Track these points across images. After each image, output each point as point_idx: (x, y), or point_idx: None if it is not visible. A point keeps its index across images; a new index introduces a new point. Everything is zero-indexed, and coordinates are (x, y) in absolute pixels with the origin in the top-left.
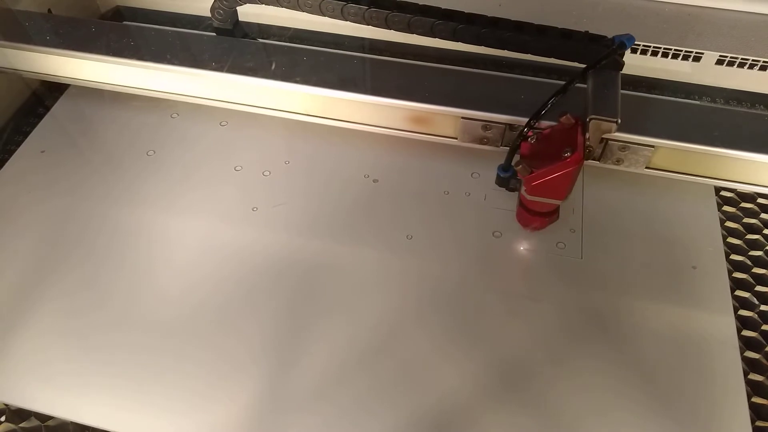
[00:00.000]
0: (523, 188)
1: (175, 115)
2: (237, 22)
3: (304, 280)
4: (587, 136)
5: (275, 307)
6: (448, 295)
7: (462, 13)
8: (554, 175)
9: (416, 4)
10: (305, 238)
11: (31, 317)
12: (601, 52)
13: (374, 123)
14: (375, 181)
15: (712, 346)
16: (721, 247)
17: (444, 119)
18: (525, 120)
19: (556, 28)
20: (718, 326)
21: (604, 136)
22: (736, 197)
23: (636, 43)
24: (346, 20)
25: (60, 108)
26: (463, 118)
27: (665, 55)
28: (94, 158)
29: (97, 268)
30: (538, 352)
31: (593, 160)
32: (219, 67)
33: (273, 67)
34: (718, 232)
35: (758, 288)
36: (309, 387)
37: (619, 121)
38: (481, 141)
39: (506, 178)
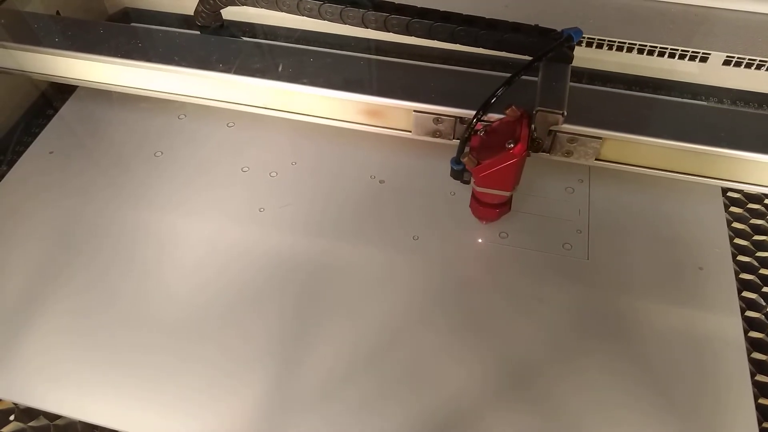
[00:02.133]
0: (472, 180)
1: (182, 117)
2: (221, 22)
3: (311, 280)
4: (533, 127)
5: (282, 307)
6: (455, 296)
7: (414, 7)
8: (498, 167)
9: (370, 1)
10: (312, 238)
11: (40, 317)
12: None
13: (330, 116)
14: (381, 182)
15: (718, 347)
16: (728, 248)
17: (397, 112)
18: (474, 113)
19: (507, 21)
20: (725, 327)
21: (551, 128)
22: (743, 198)
23: (642, 43)
24: (303, 16)
25: (68, 109)
26: (415, 111)
27: (672, 55)
28: (102, 159)
29: (105, 268)
30: (544, 353)
31: (543, 152)
32: (227, 69)
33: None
34: (725, 233)
35: (765, 289)
36: (316, 386)
37: (565, 113)
38: (434, 134)
39: (459, 171)
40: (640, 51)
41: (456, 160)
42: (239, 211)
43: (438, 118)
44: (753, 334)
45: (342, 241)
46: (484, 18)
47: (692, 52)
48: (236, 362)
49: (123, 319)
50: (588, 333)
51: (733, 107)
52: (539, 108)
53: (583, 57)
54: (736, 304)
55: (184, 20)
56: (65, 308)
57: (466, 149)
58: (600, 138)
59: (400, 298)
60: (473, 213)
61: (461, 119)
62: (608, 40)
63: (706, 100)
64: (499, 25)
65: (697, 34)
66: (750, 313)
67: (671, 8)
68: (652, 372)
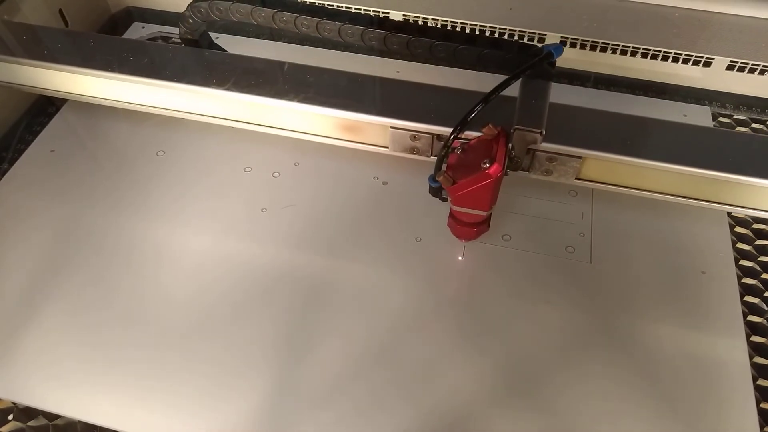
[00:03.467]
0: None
1: None
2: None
3: (314, 280)
4: (511, 146)
5: (286, 306)
6: (456, 297)
7: (392, 21)
8: (474, 187)
9: (347, 13)
10: (314, 239)
11: (40, 316)
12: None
13: (307, 131)
14: (384, 183)
15: (720, 351)
16: (731, 252)
17: (374, 128)
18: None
19: (487, 36)
20: (727, 332)
21: (530, 147)
22: None
23: (646, 47)
24: (279, 28)
25: (70, 107)
26: (391, 127)
27: (675, 59)
28: (104, 159)
29: (107, 265)
30: (545, 355)
31: (522, 170)
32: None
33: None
34: (727, 236)
35: None
36: (321, 387)
37: (544, 132)
38: (412, 151)
39: (437, 188)
40: (644, 55)
41: (433, 178)
42: (241, 211)
43: (415, 135)
44: (755, 338)
45: (345, 242)
46: (462, 33)
47: (696, 56)
48: (241, 360)
49: (124, 318)
50: (590, 335)
51: (716, 128)
52: (517, 126)
53: (587, 60)
54: (738, 309)
55: None
56: (65, 306)
57: (443, 167)
58: (580, 157)
59: (402, 300)
60: (451, 231)
61: (438, 136)
62: (612, 44)
63: (710, 104)
64: (477, 40)
65: (700, 38)
66: (752, 318)
67: (675, 12)
68: (653, 375)
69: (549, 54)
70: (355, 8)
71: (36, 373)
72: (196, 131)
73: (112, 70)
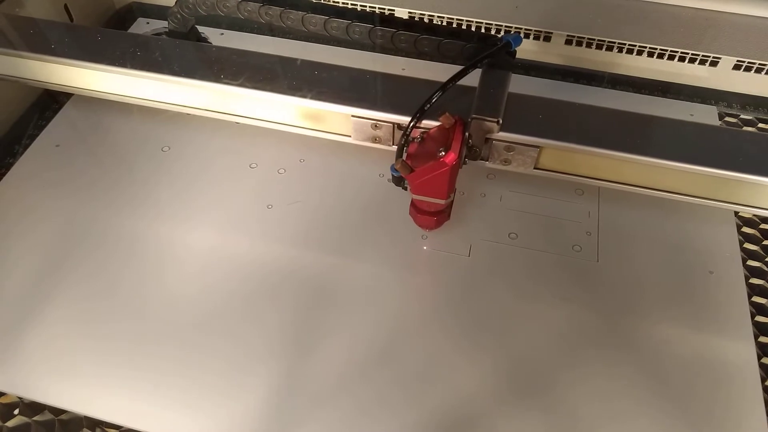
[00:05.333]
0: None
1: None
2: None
3: (319, 277)
4: (468, 135)
5: (291, 303)
6: (463, 295)
7: (354, 10)
8: (430, 175)
9: (311, 3)
10: (320, 235)
11: (45, 309)
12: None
13: (269, 119)
14: (390, 180)
15: (728, 351)
16: (738, 252)
17: (336, 117)
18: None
19: (446, 26)
20: (735, 332)
21: (488, 136)
22: None
23: (652, 46)
24: (264, 21)
25: (75, 102)
26: (353, 116)
27: (682, 59)
28: (109, 154)
29: (112, 259)
30: (551, 354)
31: (481, 160)
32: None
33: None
34: (734, 237)
35: None
36: (326, 385)
37: (501, 121)
38: (374, 140)
39: (399, 177)
40: (651, 54)
41: (394, 167)
42: (247, 207)
43: (376, 124)
44: (763, 339)
45: (350, 240)
46: (422, 22)
47: (702, 55)
48: (249, 357)
49: (131, 313)
50: (597, 335)
51: (676, 119)
52: (474, 115)
53: (592, 59)
54: (746, 309)
55: None
56: (70, 301)
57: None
58: (537, 147)
59: (408, 298)
60: (413, 221)
61: (399, 125)
62: (618, 43)
63: (716, 104)
64: (438, 29)
65: (707, 37)
66: (760, 319)
67: (682, 12)
68: (661, 375)
69: (507, 44)
70: (351, 3)
71: (41, 367)
72: (200, 127)
73: (119, 65)
